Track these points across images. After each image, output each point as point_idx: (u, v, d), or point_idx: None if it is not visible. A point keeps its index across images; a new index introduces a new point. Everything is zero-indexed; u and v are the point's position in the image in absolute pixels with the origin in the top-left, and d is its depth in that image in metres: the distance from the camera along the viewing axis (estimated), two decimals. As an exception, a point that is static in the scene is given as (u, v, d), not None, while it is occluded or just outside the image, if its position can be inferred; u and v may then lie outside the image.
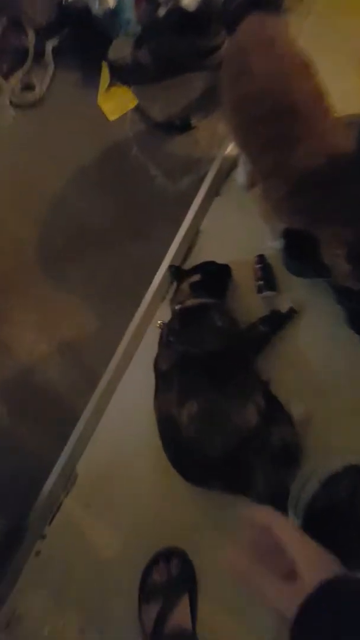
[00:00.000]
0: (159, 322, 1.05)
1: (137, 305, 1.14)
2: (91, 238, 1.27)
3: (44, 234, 1.29)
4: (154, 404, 0.96)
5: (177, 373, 0.93)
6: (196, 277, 1.04)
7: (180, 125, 1.28)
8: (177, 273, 1.10)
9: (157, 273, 1.14)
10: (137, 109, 1.33)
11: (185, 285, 1.04)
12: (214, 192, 1.19)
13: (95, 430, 1.10)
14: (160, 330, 1.03)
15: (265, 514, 0.44)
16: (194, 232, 1.18)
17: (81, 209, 1.29)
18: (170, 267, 1.13)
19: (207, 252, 1.15)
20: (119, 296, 1.20)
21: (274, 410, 0.88)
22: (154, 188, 1.26)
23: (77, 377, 1.16)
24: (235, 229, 1.12)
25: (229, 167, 1.19)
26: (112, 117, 1.36)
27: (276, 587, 0.40)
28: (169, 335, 0.98)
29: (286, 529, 0.42)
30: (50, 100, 1.44)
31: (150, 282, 1.14)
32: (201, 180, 1.19)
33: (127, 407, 1.10)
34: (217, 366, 0.91)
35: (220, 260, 1.07)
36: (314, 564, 0.39)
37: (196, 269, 1.07)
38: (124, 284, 1.21)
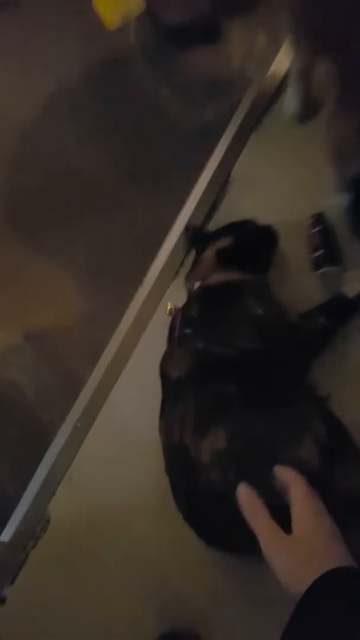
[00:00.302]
0: (169, 306, 0.95)
1: (139, 282, 1.03)
2: (79, 188, 1.15)
3: (14, 182, 1.17)
4: (159, 426, 0.82)
5: (194, 383, 0.79)
6: (226, 242, 0.89)
7: (205, 33, 1.14)
8: (197, 237, 0.99)
9: (169, 237, 1.03)
10: (146, 10, 1.20)
11: (209, 254, 0.90)
12: (251, 125, 1.08)
13: (76, 457, 0.99)
14: (170, 318, 0.90)
15: (289, 473, 0.55)
16: (222, 181, 1.06)
17: (66, 148, 1.18)
18: (187, 228, 1.01)
19: (240, 208, 1.03)
20: (114, 270, 1.10)
21: (338, 442, 0.74)
22: (166, 118, 1.14)
23: (52, 382, 1.05)
24: (280, 176, 1.00)
25: (273, 91, 1.07)
26: (111, 25, 1.21)
27: (268, 533, 0.51)
28: (184, 326, 0.85)
29: (299, 488, 0.53)
30: (26, 2, 1.32)
31: (158, 250, 1.04)
32: (233, 108, 1.07)
33: (120, 428, 0.99)
34: (254, 374, 0.77)
35: (258, 220, 0.93)
36: (306, 525, 0.49)
37: (226, 230, 0.93)
38: (121, 253, 1.10)
